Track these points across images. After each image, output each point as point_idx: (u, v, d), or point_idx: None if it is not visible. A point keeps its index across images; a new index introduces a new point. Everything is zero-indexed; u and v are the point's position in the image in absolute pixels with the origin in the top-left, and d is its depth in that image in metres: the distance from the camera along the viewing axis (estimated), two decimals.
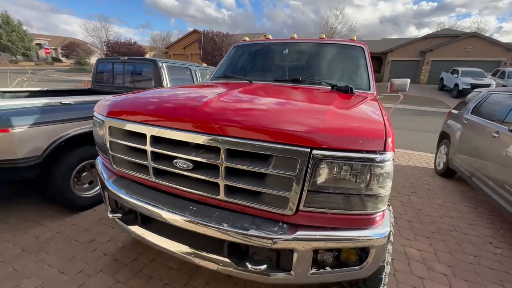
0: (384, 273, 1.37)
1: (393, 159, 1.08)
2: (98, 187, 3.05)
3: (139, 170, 1.45)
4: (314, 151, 1.04)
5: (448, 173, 4.60)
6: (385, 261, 1.36)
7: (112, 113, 1.49)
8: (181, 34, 40.11)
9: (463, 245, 2.68)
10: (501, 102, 3.65)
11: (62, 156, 2.68)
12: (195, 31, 35.70)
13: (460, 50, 23.18)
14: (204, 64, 7.36)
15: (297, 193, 1.08)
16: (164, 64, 4.36)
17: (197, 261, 1.28)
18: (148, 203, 1.31)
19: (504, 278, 2.25)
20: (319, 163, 1.05)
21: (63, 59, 45.28)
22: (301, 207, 1.11)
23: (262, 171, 1.12)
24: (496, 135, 3.23)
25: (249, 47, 2.97)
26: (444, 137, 4.99)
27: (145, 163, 1.38)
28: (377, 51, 27.00)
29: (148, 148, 1.34)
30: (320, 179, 1.07)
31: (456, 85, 17.51)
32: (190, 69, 4.99)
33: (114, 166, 1.54)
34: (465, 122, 4.22)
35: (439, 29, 31.28)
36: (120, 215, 1.48)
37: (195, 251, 1.28)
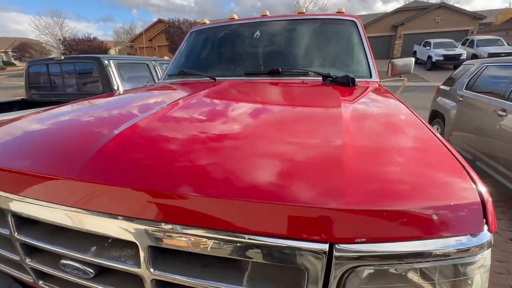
0: None
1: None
2: None
3: (15, 267, 0.82)
4: (338, 248, 0.47)
5: None
6: None
7: None
8: (146, 25, 37.36)
9: None
10: (501, 75, 3.28)
11: None
12: (160, 21, 33.37)
13: (430, 22, 23.37)
14: (166, 57, 6.51)
15: None
16: (111, 61, 3.56)
17: None
18: None
19: None
20: (352, 275, 0.48)
21: (16, 62, 40.99)
22: None
23: None
24: (503, 113, 2.85)
25: (210, 32, 2.29)
26: (436, 116, 4.64)
27: (16, 259, 0.74)
28: None
29: (14, 235, 0.70)
30: None
31: (429, 57, 17.64)
32: (147, 65, 4.21)
33: None
34: (460, 99, 3.85)
35: (406, 2, 31.38)
36: None
37: None
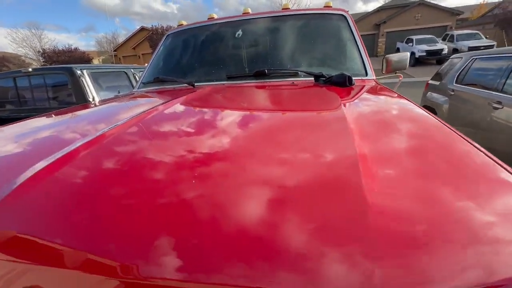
0: None
1: None
2: None
3: None
4: None
5: None
6: None
7: None
8: (130, 33, 36.70)
9: None
10: (491, 67, 3.22)
11: None
12: (143, 29, 32.88)
13: (411, 19, 23.94)
14: (147, 64, 6.24)
15: None
16: (85, 71, 3.29)
17: None
18: None
19: None
20: None
21: None
22: None
23: None
24: (498, 105, 2.77)
25: (187, 34, 2.09)
26: None
27: None
28: None
29: None
30: None
31: (413, 53, 17.95)
32: (126, 73, 3.96)
33: None
34: (452, 93, 3.78)
35: (386, 1, 32.13)
36: None
37: None
